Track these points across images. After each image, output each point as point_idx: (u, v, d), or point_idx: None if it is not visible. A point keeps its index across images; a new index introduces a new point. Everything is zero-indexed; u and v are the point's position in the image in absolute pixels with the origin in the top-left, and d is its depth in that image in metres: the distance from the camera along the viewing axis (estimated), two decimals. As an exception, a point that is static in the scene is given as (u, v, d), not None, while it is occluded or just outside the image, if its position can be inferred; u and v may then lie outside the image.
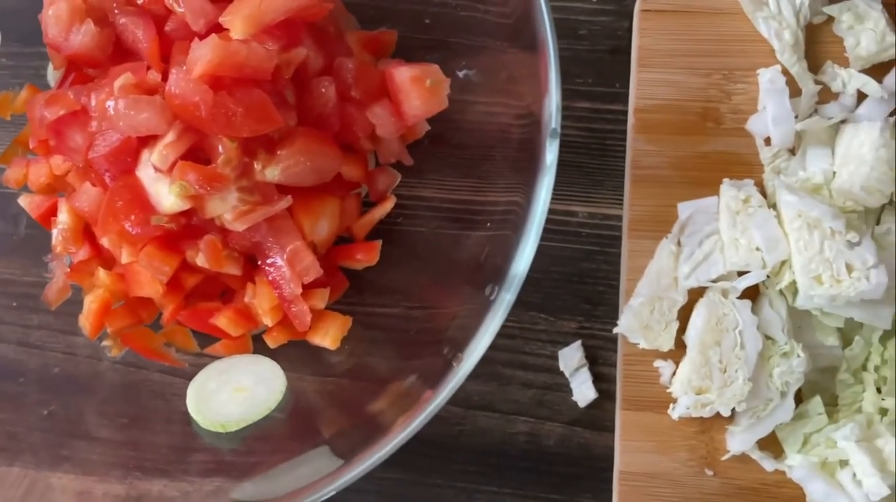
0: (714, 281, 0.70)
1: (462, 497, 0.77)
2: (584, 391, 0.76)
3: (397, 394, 0.62)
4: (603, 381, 0.76)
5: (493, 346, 0.77)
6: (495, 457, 0.77)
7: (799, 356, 0.68)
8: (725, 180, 0.72)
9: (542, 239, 0.77)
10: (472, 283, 0.61)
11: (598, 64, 0.79)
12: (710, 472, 0.72)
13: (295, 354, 0.73)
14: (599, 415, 0.76)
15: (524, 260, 0.57)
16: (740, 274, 0.70)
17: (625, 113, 0.76)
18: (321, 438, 0.64)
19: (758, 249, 0.68)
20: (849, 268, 0.64)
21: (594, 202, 0.78)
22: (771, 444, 0.72)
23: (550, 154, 0.56)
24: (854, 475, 0.67)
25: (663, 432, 0.73)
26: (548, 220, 0.77)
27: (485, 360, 0.77)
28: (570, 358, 0.76)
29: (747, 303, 0.69)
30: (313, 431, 0.65)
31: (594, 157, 0.78)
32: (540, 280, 0.78)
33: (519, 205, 0.58)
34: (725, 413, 0.69)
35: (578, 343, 0.77)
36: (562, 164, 0.78)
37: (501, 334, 0.77)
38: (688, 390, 0.69)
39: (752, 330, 0.69)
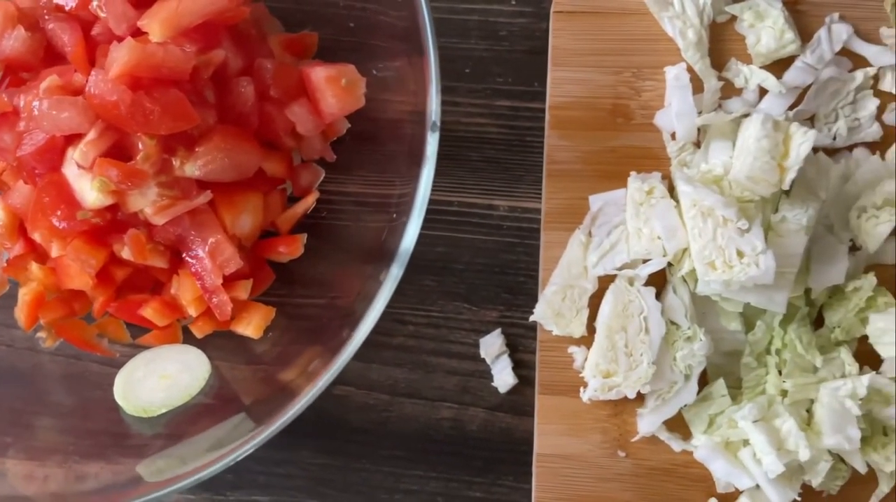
0: (619, 269, 0.73)
1: (389, 481, 0.80)
2: (504, 377, 0.79)
3: (306, 372, 0.65)
4: (524, 368, 0.79)
5: (419, 335, 0.81)
6: (421, 443, 0.80)
7: (701, 340, 0.71)
8: (632, 173, 0.75)
9: (466, 232, 0.82)
10: (373, 267, 0.65)
11: (518, 64, 0.82)
12: (622, 453, 0.75)
13: (224, 343, 0.76)
14: (520, 400, 0.80)
15: (406, 241, 0.62)
16: (645, 262, 0.73)
17: (543, 110, 0.79)
18: (241, 407, 0.68)
19: (658, 238, 0.71)
20: (740, 254, 0.67)
21: (515, 196, 0.81)
22: (681, 426, 0.75)
23: (430, 146, 0.60)
24: (754, 454, 0.70)
25: (578, 415, 0.76)
26: (471, 214, 0.82)
27: (411, 349, 0.81)
28: (491, 345, 0.79)
29: (651, 289, 0.72)
30: (234, 405, 0.69)
31: (515, 154, 0.82)
32: (463, 271, 0.81)
33: (410, 194, 0.62)
34: (631, 395, 0.72)
35: (498, 331, 0.80)
36: (484, 160, 0.82)
37: (427, 324, 0.81)
38: (596, 374, 0.72)
39: (656, 315, 0.72)
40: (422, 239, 0.81)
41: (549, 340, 0.76)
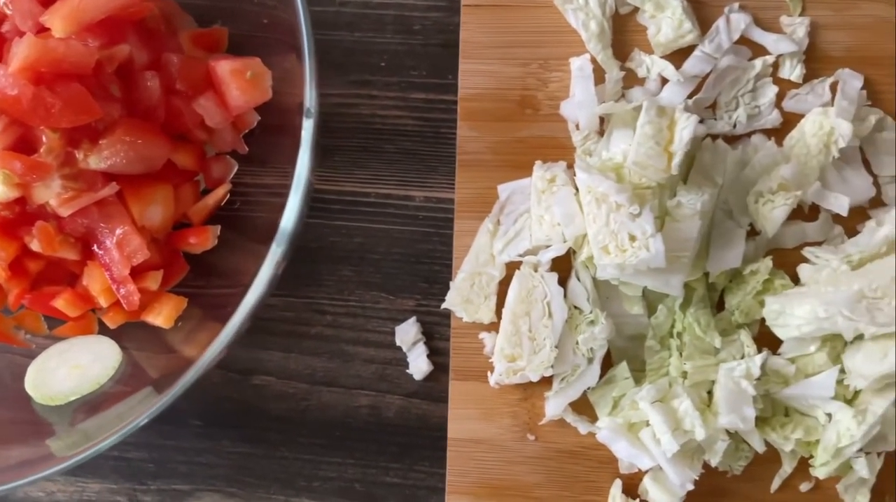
0: (523, 255, 0.75)
1: (308, 468, 0.81)
2: (419, 364, 0.80)
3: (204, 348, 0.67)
4: (439, 355, 0.81)
5: (337, 325, 0.83)
6: (339, 430, 0.81)
7: (602, 324, 0.73)
8: (537, 162, 0.76)
9: (383, 222, 0.83)
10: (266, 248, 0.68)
11: (432, 57, 0.83)
12: (531, 437, 0.76)
13: (139, 334, 0.77)
14: (436, 387, 0.81)
15: (285, 220, 0.65)
16: (547, 248, 0.74)
17: (456, 102, 0.81)
18: (148, 382, 0.70)
19: (558, 224, 0.72)
20: (631, 238, 0.68)
21: (430, 187, 0.83)
22: (588, 409, 0.76)
23: (305, 131, 0.63)
24: (654, 434, 0.72)
25: (488, 400, 0.77)
26: (388, 205, 0.84)
27: (329, 338, 0.82)
28: (406, 333, 0.81)
29: (555, 275, 0.74)
30: (141, 384, 0.71)
31: (429, 145, 0.83)
32: (380, 261, 0.82)
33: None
34: (535, 379, 0.74)
35: (413, 319, 0.81)
36: (400, 152, 0.84)
37: (345, 313, 0.82)
38: (501, 358, 0.74)
39: (558, 300, 0.73)
40: (340, 230, 0.83)
41: (461, 327, 0.78)
